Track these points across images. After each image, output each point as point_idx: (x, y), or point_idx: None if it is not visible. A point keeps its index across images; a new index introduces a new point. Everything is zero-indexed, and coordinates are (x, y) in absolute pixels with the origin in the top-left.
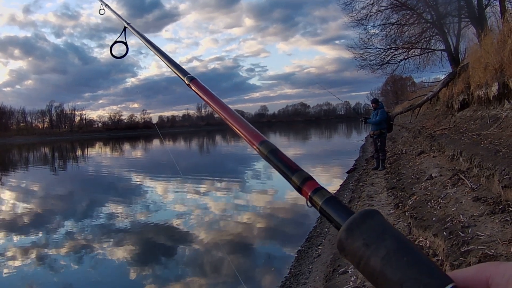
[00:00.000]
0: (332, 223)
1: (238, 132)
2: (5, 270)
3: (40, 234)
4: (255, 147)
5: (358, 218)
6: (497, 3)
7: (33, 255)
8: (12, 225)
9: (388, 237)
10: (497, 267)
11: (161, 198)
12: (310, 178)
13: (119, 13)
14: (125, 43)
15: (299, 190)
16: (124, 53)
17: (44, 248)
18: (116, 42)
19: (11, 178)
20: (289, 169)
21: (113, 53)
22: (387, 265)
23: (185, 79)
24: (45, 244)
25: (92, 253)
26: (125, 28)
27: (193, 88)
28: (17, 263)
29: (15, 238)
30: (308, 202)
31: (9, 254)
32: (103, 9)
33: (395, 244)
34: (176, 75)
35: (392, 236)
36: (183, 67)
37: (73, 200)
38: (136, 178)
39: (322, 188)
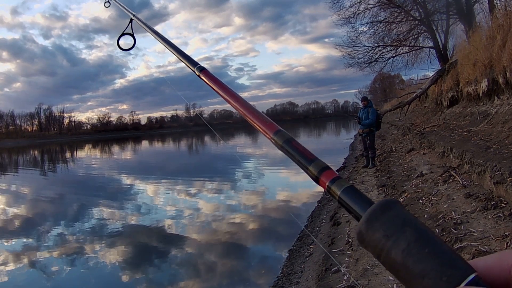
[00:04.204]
0: (352, 213)
1: (252, 122)
2: None
3: (54, 239)
4: (269, 137)
5: (378, 208)
6: (486, 0)
7: (28, 259)
8: (3, 229)
9: (408, 228)
10: None
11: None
12: (327, 168)
13: (111, 12)
14: (132, 35)
15: (316, 180)
16: (131, 45)
17: (55, 252)
18: (123, 34)
19: (1, 181)
20: (305, 159)
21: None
22: (408, 257)
23: (195, 70)
24: (57, 249)
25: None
26: (131, 20)
27: (203, 78)
28: (8, 267)
29: (6, 242)
30: (326, 192)
31: (0, 258)
32: (108, 1)
33: (416, 235)
34: (186, 65)
35: (413, 227)
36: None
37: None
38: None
39: (340, 177)
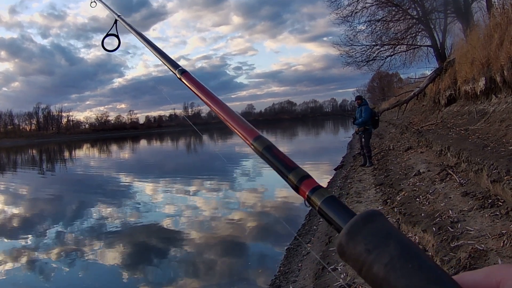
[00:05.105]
0: (332, 225)
1: (231, 127)
2: None
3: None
4: (249, 143)
5: (360, 220)
6: None
7: (26, 259)
8: (2, 229)
9: (391, 242)
10: (508, 270)
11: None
12: (308, 177)
13: (106, 12)
14: (117, 36)
15: (296, 189)
16: (116, 46)
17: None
18: (107, 35)
19: (0, 181)
20: (285, 167)
21: (105, 46)
22: (391, 272)
23: (176, 72)
24: (64, 250)
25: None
26: (116, 21)
27: (184, 81)
28: (7, 267)
29: (4, 242)
30: (306, 202)
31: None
32: (95, 1)
33: (399, 250)
34: (167, 67)
35: (396, 241)
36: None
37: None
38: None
39: (321, 187)
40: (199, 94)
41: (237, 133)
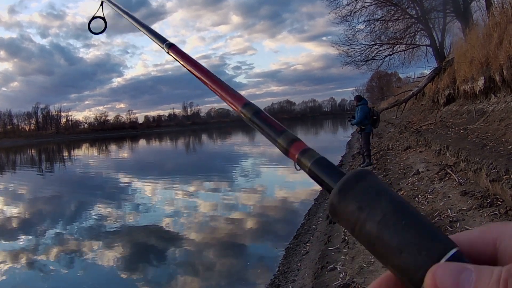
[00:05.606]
0: (323, 185)
1: (221, 96)
2: None
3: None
4: (238, 110)
5: (351, 179)
6: None
7: (26, 259)
8: (1, 228)
9: (384, 199)
10: (505, 227)
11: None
12: (297, 139)
13: (108, 11)
14: (103, 18)
15: (286, 152)
16: (102, 28)
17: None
18: (94, 17)
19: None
20: (274, 131)
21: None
22: (384, 230)
23: (164, 46)
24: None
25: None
26: (102, 3)
27: (172, 54)
28: (6, 267)
29: (4, 242)
30: (296, 164)
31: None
32: None
33: (392, 206)
34: (155, 43)
35: (389, 198)
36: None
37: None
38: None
39: (310, 149)
40: (188, 66)
41: (226, 101)
